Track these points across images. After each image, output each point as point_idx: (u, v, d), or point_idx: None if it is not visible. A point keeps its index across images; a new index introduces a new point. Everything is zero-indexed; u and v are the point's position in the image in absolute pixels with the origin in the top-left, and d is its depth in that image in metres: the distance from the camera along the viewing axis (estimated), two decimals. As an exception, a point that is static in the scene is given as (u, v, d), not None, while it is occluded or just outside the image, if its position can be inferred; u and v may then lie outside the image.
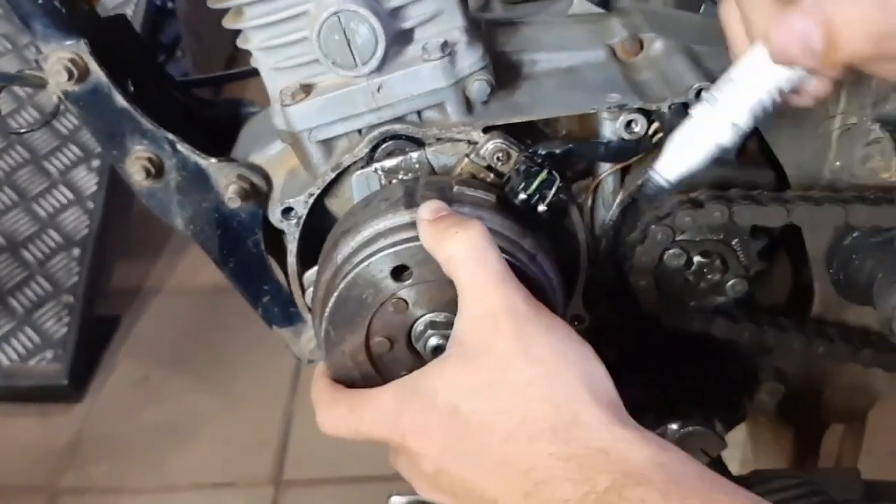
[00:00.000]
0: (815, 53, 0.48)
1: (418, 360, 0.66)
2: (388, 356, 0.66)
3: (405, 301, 0.64)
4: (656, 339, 0.81)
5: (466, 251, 0.59)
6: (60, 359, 1.89)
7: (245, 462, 1.71)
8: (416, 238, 0.62)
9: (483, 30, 0.76)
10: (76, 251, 2.03)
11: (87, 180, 2.13)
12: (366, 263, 0.63)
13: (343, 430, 0.62)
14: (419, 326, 0.65)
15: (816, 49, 0.48)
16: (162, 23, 2.66)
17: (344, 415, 0.62)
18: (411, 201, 0.66)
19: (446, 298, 0.65)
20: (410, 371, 0.63)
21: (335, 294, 0.64)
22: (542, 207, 0.67)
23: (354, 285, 0.63)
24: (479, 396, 0.57)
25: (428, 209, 0.62)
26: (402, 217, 0.64)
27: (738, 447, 1.23)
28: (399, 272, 0.64)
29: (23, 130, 2.04)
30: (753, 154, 0.78)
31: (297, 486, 1.67)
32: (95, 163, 2.15)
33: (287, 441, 1.74)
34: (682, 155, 0.58)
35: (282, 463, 1.70)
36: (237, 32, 0.71)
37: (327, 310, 0.64)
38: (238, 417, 1.79)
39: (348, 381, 0.66)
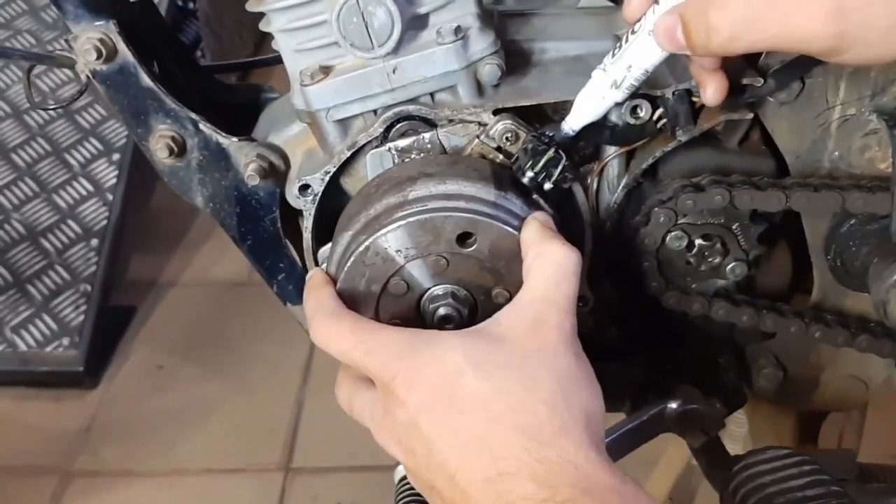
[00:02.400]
0: (680, 43, 0.62)
1: (416, 316, 0.69)
2: (392, 297, 0.68)
3: (447, 262, 0.67)
4: (658, 320, 0.83)
5: (559, 263, 0.63)
6: (76, 346, 1.93)
7: (255, 449, 1.74)
8: (501, 219, 0.66)
9: (495, 20, 0.79)
10: (94, 242, 2.08)
11: (108, 173, 2.18)
12: (444, 214, 0.65)
13: (335, 346, 0.64)
14: (439, 290, 0.68)
15: (681, 40, 0.62)
16: (183, 23, 2.71)
17: (344, 333, 0.63)
18: (500, 184, 0.68)
19: (481, 282, 0.68)
20: (399, 319, 0.66)
21: (401, 222, 0.65)
22: (548, 185, 0.69)
23: (420, 225, 0.65)
24: (488, 372, 0.59)
25: (543, 215, 0.67)
26: (489, 193, 0.67)
27: (741, 441, 1.25)
28: (465, 237, 0.66)
29: (52, 106, 2.09)
30: (755, 143, 0.80)
31: (306, 473, 1.69)
32: (116, 156, 2.19)
33: (297, 429, 1.77)
34: (584, 111, 0.70)
35: (291, 450, 1.73)
36: (258, 33, 0.74)
37: (384, 229, 0.66)
38: (249, 405, 1.82)
39: (348, 298, 0.67)
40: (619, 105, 0.73)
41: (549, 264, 0.63)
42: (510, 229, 0.66)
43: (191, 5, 2.69)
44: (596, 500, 0.54)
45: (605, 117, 0.74)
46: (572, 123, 0.71)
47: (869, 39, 0.56)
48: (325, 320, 0.65)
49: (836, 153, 0.78)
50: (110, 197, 2.13)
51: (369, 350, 0.62)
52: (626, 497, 0.55)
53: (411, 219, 0.66)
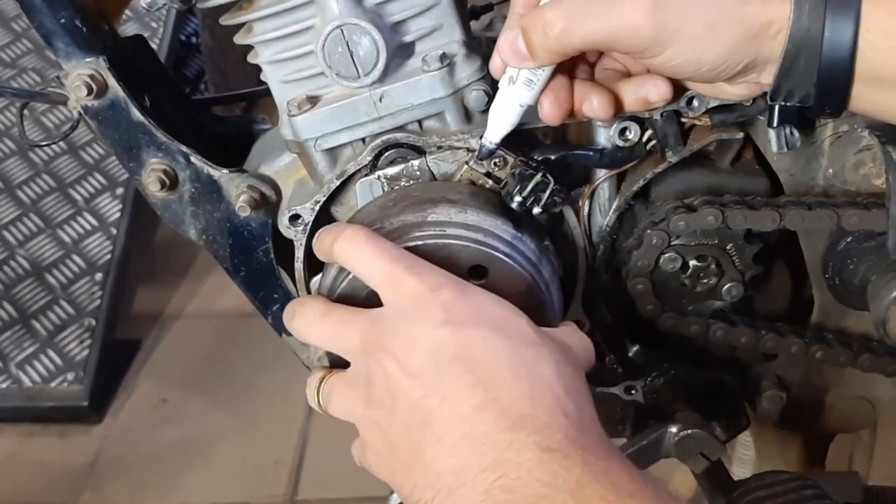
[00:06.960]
0: (522, 54, 0.63)
1: None
2: None
3: None
4: (656, 344, 0.82)
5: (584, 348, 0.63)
6: (81, 381, 1.92)
7: (260, 481, 1.72)
8: (515, 259, 0.65)
9: (484, 46, 0.79)
10: (99, 276, 2.08)
11: (111, 207, 2.19)
12: (463, 243, 0.64)
13: (315, 334, 0.63)
14: None
15: (522, 49, 0.63)
16: (186, 57, 2.73)
17: (334, 322, 0.62)
18: (518, 224, 0.67)
19: None
20: None
21: (411, 242, 0.64)
22: (537, 210, 0.69)
23: (436, 249, 0.64)
24: (498, 353, 0.57)
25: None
26: (507, 231, 0.66)
27: (749, 464, 1.23)
28: (478, 271, 0.65)
29: (45, 142, 2.11)
30: (748, 162, 0.80)
31: (312, 505, 1.68)
32: (119, 190, 2.20)
33: (302, 461, 1.75)
34: (498, 121, 0.68)
35: (297, 482, 1.72)
36: (251, 49, 0.74)
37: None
38: (254, 438, 1.81)
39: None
40: (606, 129, 0.73)
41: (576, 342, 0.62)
42: (522, 271, 0.65)
43: (194, 40, 2.72)
44: (556, 456, 0.52)
45: (593, 140, 0.73)
46: (489, 136, 0.69)
47: (687, 34, 0.59)
48: (312, 317, 0.64)
49: (830, 170, 0.77)
50: (114, 231, 2.14)
51: (413, 265, 0.61)
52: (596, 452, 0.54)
53: (429, 241, 0.64)
